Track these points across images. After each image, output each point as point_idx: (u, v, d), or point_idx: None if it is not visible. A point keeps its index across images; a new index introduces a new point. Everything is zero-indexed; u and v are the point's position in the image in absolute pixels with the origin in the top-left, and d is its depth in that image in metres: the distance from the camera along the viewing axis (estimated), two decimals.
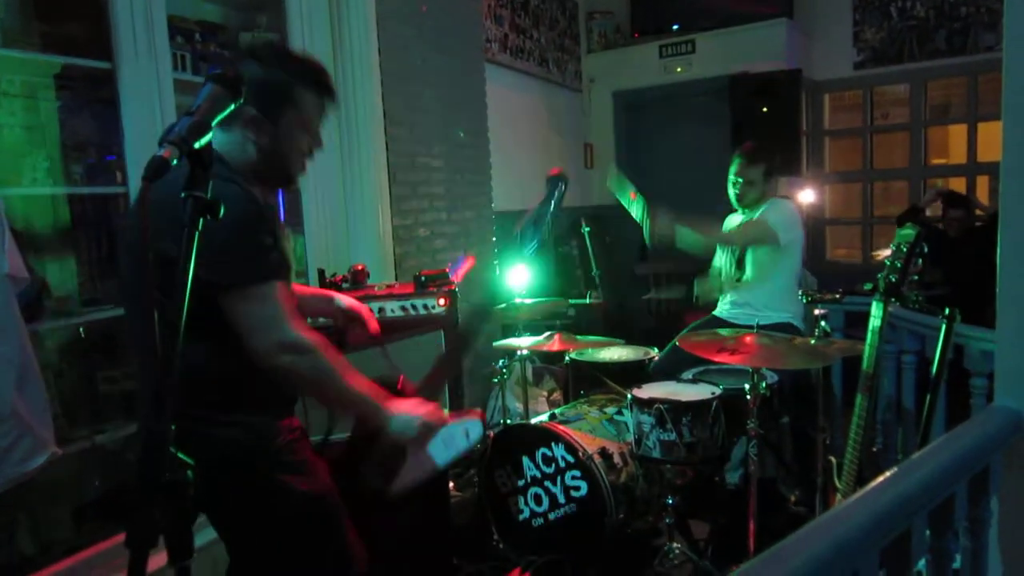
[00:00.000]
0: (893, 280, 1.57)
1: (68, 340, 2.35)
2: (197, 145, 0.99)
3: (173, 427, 0.94)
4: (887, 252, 1.67)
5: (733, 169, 3.37)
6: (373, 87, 3.33)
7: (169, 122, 2.23)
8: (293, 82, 1.57)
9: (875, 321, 1.57)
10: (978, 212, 5.08)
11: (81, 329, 2.36)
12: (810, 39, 5.75)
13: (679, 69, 5.69)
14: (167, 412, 0.93)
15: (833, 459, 1.95)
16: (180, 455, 0.93)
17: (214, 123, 1.04)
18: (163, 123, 2.23)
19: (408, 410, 1.55)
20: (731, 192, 3.39)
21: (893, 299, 1.59)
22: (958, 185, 5.58)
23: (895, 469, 1.13)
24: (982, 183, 5.59)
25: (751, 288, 3.36)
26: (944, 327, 1.68)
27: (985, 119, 5.38)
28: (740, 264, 3.44)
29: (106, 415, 2.42)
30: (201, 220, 1.00)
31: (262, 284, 1.38)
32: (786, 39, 5.32)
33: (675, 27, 5.75)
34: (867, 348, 1.64)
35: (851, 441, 1.65)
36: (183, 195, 0.99)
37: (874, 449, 3.16)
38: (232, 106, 1.10)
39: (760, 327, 2.63)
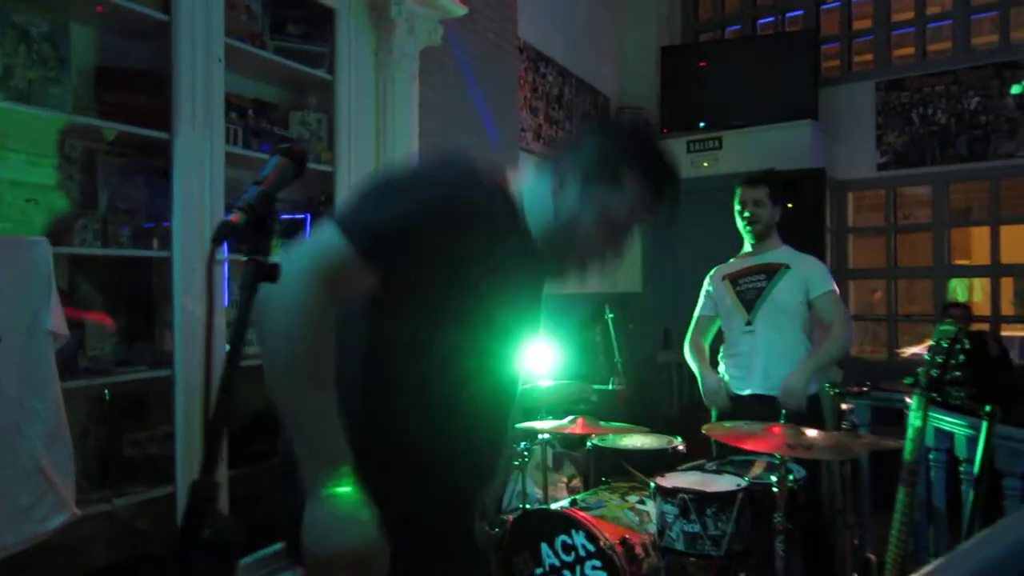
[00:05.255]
0: (934, 375, 1.56)
1: (97, 400, 2.36)
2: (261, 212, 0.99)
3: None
4: (913, 349, 1.68)
5: (737, 197, 3.17)
6: None
7: (217, 191, 2.34)
8: (629, 165, 1.33)
9: (915, 419, 1.54)
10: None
11: (106, 392, 2.36)
12: (835, 141, 5.89)
13: (705, 164, 5.81)
14: (214, 462, 0.92)
15: (872, 556, 1.88)
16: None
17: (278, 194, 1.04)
18: (211, 191, 2.31)
19: None
20: (740, 222, 3.17)
21: (934, 394, 1.58)
22: (983, 285, 5.65)
23: (942, 559, 1.08)
24: (1007, 284, 5.60)
25: (767, 348, 3.02)
26: (986, 425, 1.65)
27: (1007, 222, 5.43)
28: (751, 305, 3.07)
29: (128, 479, 2.39)
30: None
31: None
32: (811, 140, 5.45)
33: (702, 124, 5.92)
34: (908, 443, 1.61)
35: (893, 538, 1.60)
36: (244, 258, 0.99)
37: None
38: (295, 178, 1.09)
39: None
